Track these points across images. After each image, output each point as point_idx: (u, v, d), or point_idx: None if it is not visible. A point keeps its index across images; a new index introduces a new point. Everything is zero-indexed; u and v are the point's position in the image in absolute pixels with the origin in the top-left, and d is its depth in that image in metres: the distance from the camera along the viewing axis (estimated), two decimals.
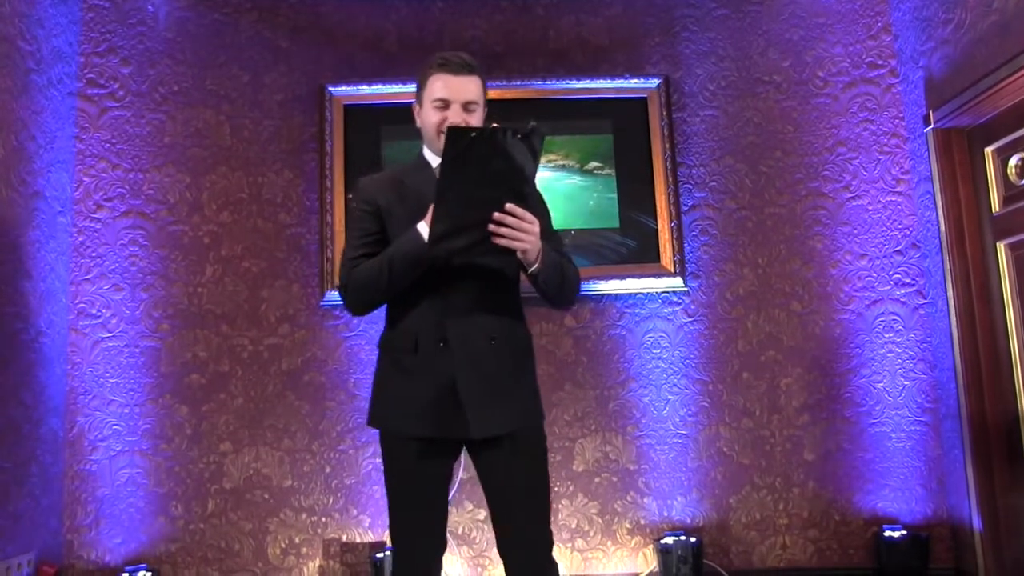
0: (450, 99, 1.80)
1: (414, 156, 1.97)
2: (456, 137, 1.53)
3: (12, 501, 2.71)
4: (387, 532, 3.17)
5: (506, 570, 1.86)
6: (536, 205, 1.77)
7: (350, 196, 3.35)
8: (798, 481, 3.26)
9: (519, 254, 1.68)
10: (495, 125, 1.66)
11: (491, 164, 1.55)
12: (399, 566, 1.84)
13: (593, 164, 3.44)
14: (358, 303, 1.83)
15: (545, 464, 1.87)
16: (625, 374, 3.33)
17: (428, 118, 1.84)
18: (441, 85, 1.81)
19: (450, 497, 1.93)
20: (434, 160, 1.83)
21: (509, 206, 1.60)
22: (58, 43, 3.14)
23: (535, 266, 1.71)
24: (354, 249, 1.85)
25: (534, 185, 1.64)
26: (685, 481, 3.27)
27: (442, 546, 1.86)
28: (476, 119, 1.83)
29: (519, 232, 1.62)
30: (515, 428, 1.79)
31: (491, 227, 1.60)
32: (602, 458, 3.29)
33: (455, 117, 1.79)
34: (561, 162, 3.45)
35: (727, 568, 3.17)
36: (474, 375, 1.75)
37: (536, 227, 1.65)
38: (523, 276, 1.83)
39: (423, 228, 1.70)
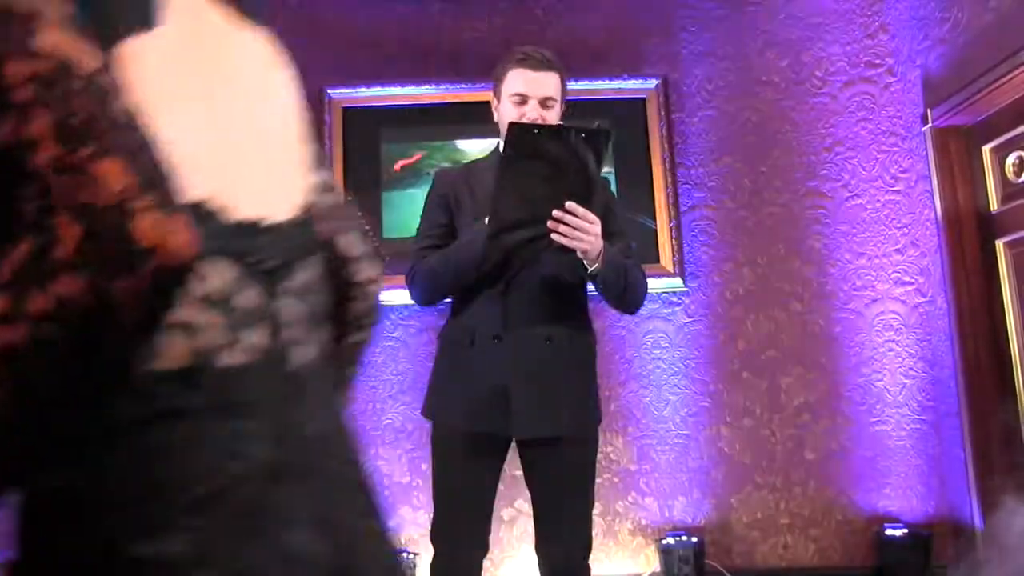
0: (528, 94, 1.80)
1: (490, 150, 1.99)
2: (519, 134, 1.53)
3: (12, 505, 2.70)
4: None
5: (540, 570, 1.85)
6: (602, 205, 1.77)
7: (350, 198, 3.35)
8: (799, 480, 3.26)
9: (579, 254, 1.66)
10: (559, 123, 1.68)
11: (553, 162, 1.54)
12: (437, 566, 1.82)
13: None
14: (424, 294, 1.85)
15: (592, 470, 1.86)
16: (625, 375, 3.33)
17: (505, 113, 1.83)
18: (520, 80, 1.81)
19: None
20: None
21: (570, 205, 1.59)
22: None
23: (595, 266, 1.70)
24: (422, 240, 1.87)
25: (598, 185, 1.63)
26: (686, 481, 3.27)
27: (483, 548, 1.84)
28: (553, 115, 1.82)
29: (579, 232, 1.61)
30: (563, 432, 1.76)
31: (550, 224, 1.59)
32: (603, 459, 3.28)
33: (532, 113, 1.78)
34: None
35: (729, 568, 3.17)
36: (526, 374, 1.74)
37: (597, 227, 1.63)
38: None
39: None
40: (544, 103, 1.80)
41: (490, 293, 1.78)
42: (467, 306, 1.81)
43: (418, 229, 1.94)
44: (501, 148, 1.88)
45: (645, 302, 1.97)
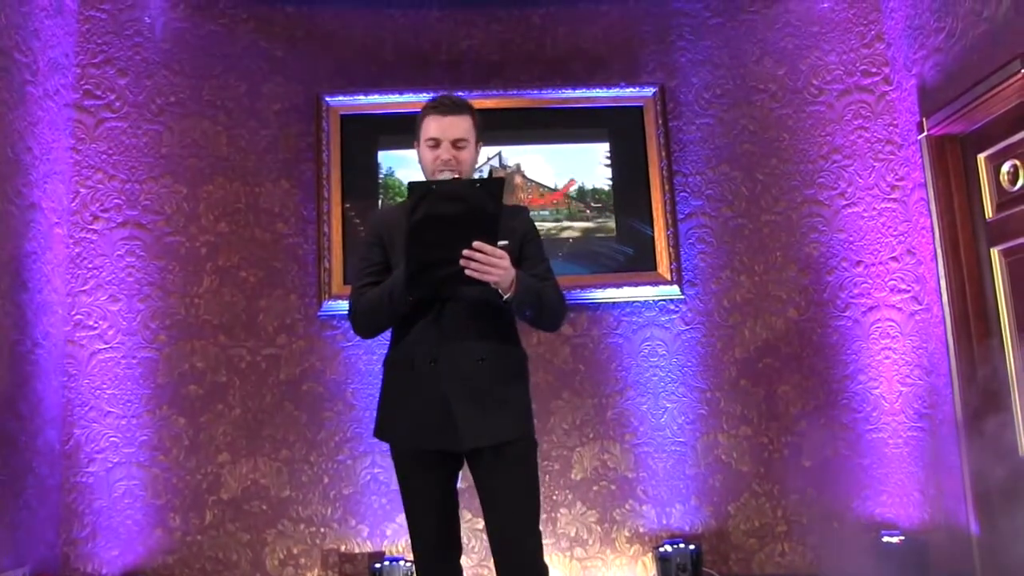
0: (440, 137, 1.98)
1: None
2: (415, 190, 1.73)
3: (8, 513, 2.69)
4: (390, 541, 3.17)
5: (497, 572, 1.97)
6: (520, 234, 2.01)
7: (347, 206, 3.36)
8: (796, 488, 3.26)
9: (492, 284, 1.83)
10: (455, 177, 1.92)
11: (454, 210, 1.74)
12: (418, 569, 2.02)
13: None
14: (366, 329, 2.02)
15: (535, 472, 2.00)
16: (623, 382, 3.34)
17: (423, 156, 2.03)
18: (433, 125, 2.00)
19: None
20: None
21: (477, 243, 1.76)
22: (54, 54, 3.14)
23: (508, 294, 1.86)
24: (360, 279, 2.03)
25: (499, 224, 1.80)
26: (683, 489, 3.27)
27: (456, 549, 2.03)
28: (466, 154, 2.00)
29: (488, 266, 1.77)
30: (504, 440, 1.92)
31: (462, 262, 1.76)
32: (600, 466, 3.29)
33: (445, 154, 1.97)
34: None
35: (726, 575, 3.17)
36: (463, 392, 1.90)
37: (505, 260, 1.80)
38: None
39: None
40: (455, 144, 1.98)
41: (424, 321, 1.94)
42: (405, 333, 1.98)
43: (358, 268, 2.09)
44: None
45: (565, 321, 2.16)
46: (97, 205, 3.25)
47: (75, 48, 3.30)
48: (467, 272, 1.77)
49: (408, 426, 1.94)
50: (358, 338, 3.28)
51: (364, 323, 2.00)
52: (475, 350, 1.93)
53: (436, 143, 1.98)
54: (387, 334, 2.08)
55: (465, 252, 1.76)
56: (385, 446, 3.20)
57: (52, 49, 3.13)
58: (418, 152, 2.06)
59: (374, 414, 3.33)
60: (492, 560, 3.09)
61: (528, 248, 2.03)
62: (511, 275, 1.83)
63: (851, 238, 3.37)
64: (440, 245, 1.76)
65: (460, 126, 1.99)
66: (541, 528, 1.99)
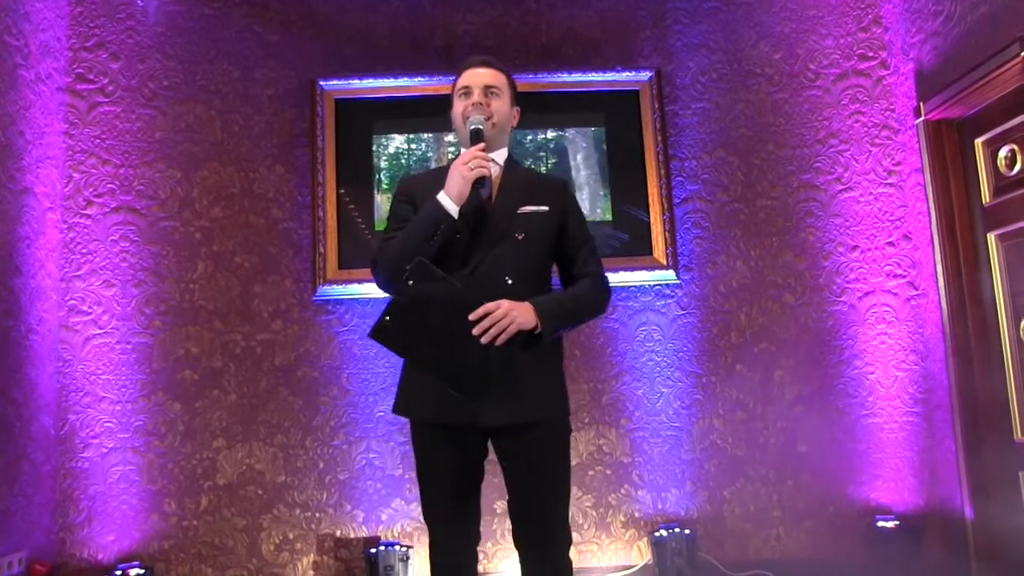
0: (471, 85, 1.95)
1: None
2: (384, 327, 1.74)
3: (3, 499, 2.69)
4: (385, 526, 3.17)
5: (521, 562, 1.87)
6: (560, 210, 1.95)
7: (342, 191, 3.34)
8: (792, 473, 3.27)
9: (519, 330, 1.77)
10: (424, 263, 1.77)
11: (442, 302, 1.74)
12: (432, 552, 1.90)
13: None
14: (388, 270, 1.87)
15: (563, 456, 1.90)
16: (618, 367, 3.33)
17: (455, 109, 1.99)
18: (464, 77, 1.98)
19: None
20: None
21: (473, 315, 1.73)
22: (46, 38, 3.12)
23: (538, 330, 1.79)
24: (387, 232, 1.97)
25: (467, 296, 1.77)
26: (679, 473, 3.28)
27: (473, 535, 1.91)
28: (500, 104, 1.96)
29: (498, 324, 1.73)
30: (530, 419, 1.82)
31: (476, 332, 1.72)
32: (596, 451, 3.29)
33: (476, 97, 1.93)
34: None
35: (721, 560, 3.18)
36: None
37: (503, 307, 1.74)
38: (554, 276, 1.99)
39: (443, 198, 1.82)
40: (487, 91, 1.94)
41: None
42: None
43: (387, 225, 2.03)
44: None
45: (611, 303, 2.11)
46: (90, 190, 3.23)
47: (67, 31, 3.28)
48: (484, 340, 1.72)
49: (433, 401, 1.83)
50: (354, 323, 3.29)
51: (388, 265, 1.85)
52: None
53: (467, 91, 1.94)
54: None
55: (475, 331, 1.72)
56: (381, 431, 3.23)
57: (44, 32, 3.10)
58: (452, 116, 2.01)
59: (369, 399, 3.34)
60: (489, 548, 3.11)
61: (571, 226, 1.96)
62: (528, 317, 1.77)
63: (847, 223, 3.37)
64: (444, 340, 1.74)
65: (492, 76, 1.96)
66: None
